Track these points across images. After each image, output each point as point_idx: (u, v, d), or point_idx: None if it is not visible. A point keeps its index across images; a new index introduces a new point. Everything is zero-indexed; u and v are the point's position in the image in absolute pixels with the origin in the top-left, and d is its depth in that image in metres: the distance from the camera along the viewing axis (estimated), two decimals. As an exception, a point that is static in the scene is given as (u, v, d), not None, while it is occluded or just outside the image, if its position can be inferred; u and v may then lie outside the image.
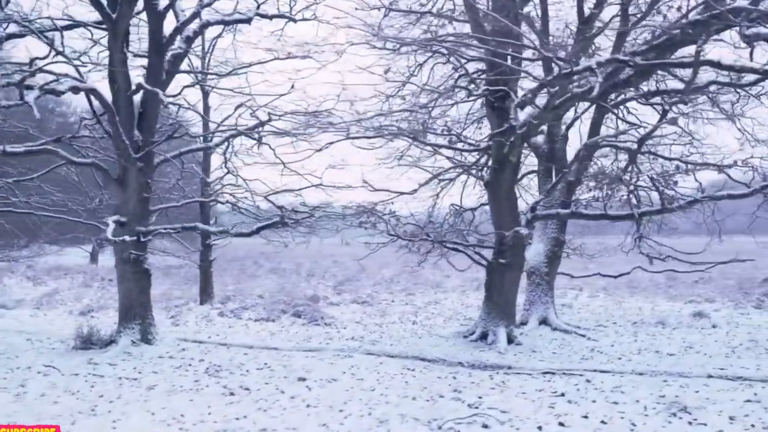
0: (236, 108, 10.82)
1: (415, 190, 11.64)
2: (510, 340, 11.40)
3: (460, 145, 11.97)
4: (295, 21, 12.03)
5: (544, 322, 13.24)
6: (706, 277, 23.49)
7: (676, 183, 10.87)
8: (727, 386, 8.21)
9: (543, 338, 12.23)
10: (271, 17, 12.07)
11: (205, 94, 16.49)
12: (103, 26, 9.86)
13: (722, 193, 10.54)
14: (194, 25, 11.32)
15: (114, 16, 9.62)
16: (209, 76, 15.39)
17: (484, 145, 11.37)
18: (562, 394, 7.73)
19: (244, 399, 7.39)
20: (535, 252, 13.88)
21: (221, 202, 11.98)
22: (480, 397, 7.50)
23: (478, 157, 12.53)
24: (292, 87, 11.03)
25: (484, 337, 11.54)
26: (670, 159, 14.80)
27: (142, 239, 10.07)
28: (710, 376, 8.94)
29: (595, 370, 9.39)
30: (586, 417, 6.65)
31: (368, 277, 26.29)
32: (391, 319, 15.47)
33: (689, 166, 14.28)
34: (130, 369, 9.01)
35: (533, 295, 13.59)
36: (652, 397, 7.48)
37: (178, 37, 11.01)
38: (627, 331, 13.33)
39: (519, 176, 11.82)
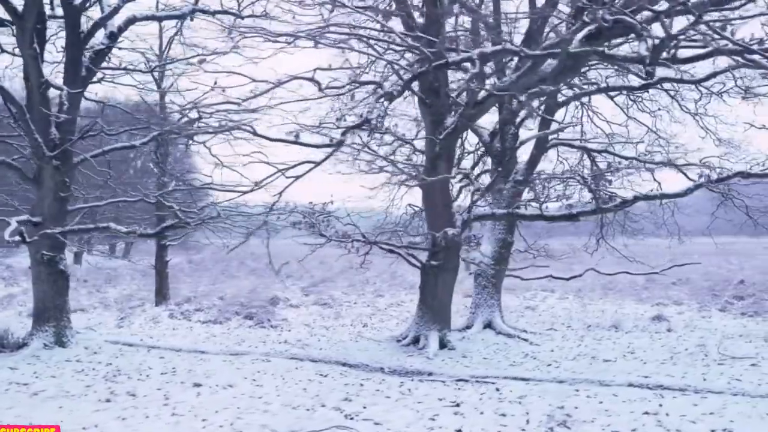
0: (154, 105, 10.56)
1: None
2: (443, 345, 11.04)
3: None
4: (242, 17, 11.73)
5: (489, 325, 12.85)
6: (684, 279, 23.00)
7: (610, 182, 10.43)
8: (638, 396, 7.80)
9: (482, 343, 11.85)
10: (213, 13, 11.79)
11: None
12: (9, 22, 9.63)
13: (655, 193, 10.10)
14: (120, 21, 11.09)
15: (21, 10, 9.39)
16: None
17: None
18: (457, 405, 7.37)
19: (119, 406, 7.11)
20: (482, 254, 13.50)
21: (149, 202, 11.70)
22: (365, 407, 7.16)
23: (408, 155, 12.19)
24: (215, 83, 10.72)
25: (416, 341, 11.19)
26: (627, 158, 14.40)
27: (56, 239, 9.82)
28: (630, 385, 8.53)
29: (515, 378, 9.03)
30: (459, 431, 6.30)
31: (345, 278, 26.03)
32: (343, 321, 15.17)
33: (647, 165, 13.94)
34: (29, 373, 8.77)
35: (479, 298, 13.20)
36: (546, 409, 7.09)
37: (101, 33, 10.77)
38: (576, 335, 12.90)
39: (454, 176, 11.42)
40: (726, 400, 7.59)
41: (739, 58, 7.37)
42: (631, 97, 16.46)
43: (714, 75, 12.49)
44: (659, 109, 16.28)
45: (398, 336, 11.79)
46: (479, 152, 14.81)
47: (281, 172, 11.37)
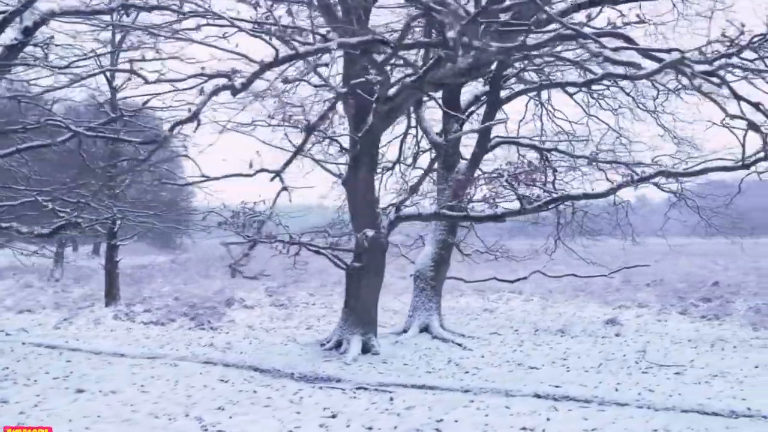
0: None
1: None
2: (366, 350, 10.68)
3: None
4: (184, 14, 11.41)
5: (426, 329, 12.46)
6: (658, 280, 22.46)
7: (534, 181, 9.99)
8: (532, 408, 7.38)
9: (413, 347, 11.45)
10: (149, 9, 11.49)
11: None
12: None
13: (578, 193, 9.66)
14: (37, 16, 10.81)
15: None
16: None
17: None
18: (333, 416, 7.03)
19: (-23, 414, 6.84)
20: (422, 255, 13.13)
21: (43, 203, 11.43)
22: (231, 417, 6.84)
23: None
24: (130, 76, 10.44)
25: (339, 345, 10.84)
26: (577, 157, 13.96)
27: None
28: (536, 395, 8.12)
29: (421, 386, 8.65)
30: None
31: (319, 279, 25.69)
32: (289, 323, 14.87)
33: (599, 164, 13.47)
34: None
35: (417, 301, 12.81)
36: (422, 421, 6.73)
37: (11, 28, 10.49)
38: (517, 339, 12.47)
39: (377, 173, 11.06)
40: (622, 413, 7.18)
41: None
42: (593, 95, 16.03)
43: (658, 71, 12.07)
44: (620, 107, 15.86)
45: (323, 340, 11.44)
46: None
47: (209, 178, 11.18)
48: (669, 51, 8.89)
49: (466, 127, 14.38)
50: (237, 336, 12.89)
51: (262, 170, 10.49)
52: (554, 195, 9.66)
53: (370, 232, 10.11)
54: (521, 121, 16.78)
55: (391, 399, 7.86)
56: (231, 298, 17.99)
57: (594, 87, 15.65)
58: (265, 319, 15.49)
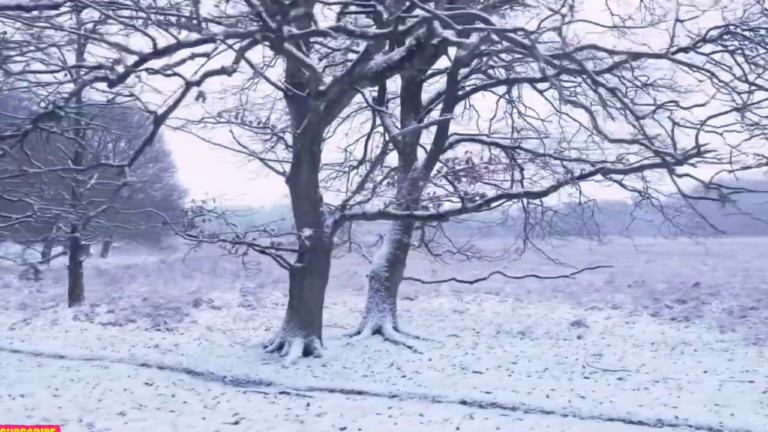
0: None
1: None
2: (308, 353, 10.41)
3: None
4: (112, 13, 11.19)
5: (378, 331, 12.16)
6: (640, 281, 22.02)
7: (475, 179, 9.66)
8: (446, 416, 7.10)
9: (361, 350, 11.15)
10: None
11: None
12: None
13: (519, 191, 9.32)
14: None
15: None
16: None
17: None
18: (236, 423, 6.78)
19: None
20: (378, 256, 12.84)
21: (12, 200, 11.28)
22: (126, 423, 6.60)
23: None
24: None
25: (281, 348, 10.56)
26: (542, 155, 13.63)
27: None
28: (462, 402, 7.82)
29: (349, 391, 8.40)
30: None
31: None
32: (251, 324, 14.59)
33: (564, 162, 13.13)
34: None
35: (371, 302, 12.51)
36: (315, 429, 6.45)
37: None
38: (474, 342, 12.11)
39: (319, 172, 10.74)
40: (541, 422, 6.90)
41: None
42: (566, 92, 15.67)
43: (614, 67, 11.74)
44: (592, 105, 15.47)
45: (267, 342, 11.17)
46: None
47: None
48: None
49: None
50: (189, 337, 12.64)
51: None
52: (501, 193, 9.32)
53: (307, 232, 9.84)
54: (492, 119, 16.51)
55: (308, 405, 7.59)
56: (199, 298, 17.77)
57: (566, 84, 15.35)
58: (228, 320, 15.23)
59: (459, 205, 9.59)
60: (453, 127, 15.51)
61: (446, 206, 10.25)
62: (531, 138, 13.84)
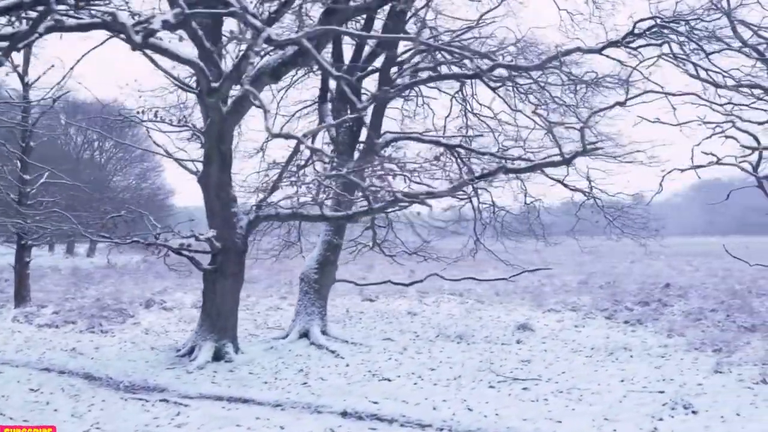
0: None
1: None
2: (219, 357, 10.08)
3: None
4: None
5: (305, 334, 11.81)
6: (612, 282, 21.46)
7: (384, 178, 9.24)
8: (308, 429, 6.72)
9: (282, 354, 10.80)
10: None
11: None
12: None
13: (421, 192, 8.91)
14: None
15: None
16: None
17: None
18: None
19: None
20: (309, 257, 12.49)
21: None
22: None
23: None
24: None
25: (192, 351, 10.25)
26: (483, 154, 13.20)
27: None
28: (343, 413, 7.47)
29: (239, 399, 8.08)
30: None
31: (274, 279, 25.20)
32: (192, 326, 14.22)
33: (507, 162, 12.70)
34: None
35: (300, 305, 12.17)
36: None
37: None
38: (404, 346, 11.69)
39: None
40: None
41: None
42: (520, 89, 15.21)
43: (546, 64, 11.28)
44: (546, 103, 14.99)
45: (180, 345, 10.87)
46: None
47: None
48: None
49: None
50: (117, 340, 12.38)
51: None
52: (406, 192, 8.90)
53: (210, 233, 9.50)
54: (447, 117, 16.09)
55: (177, 414, 7.28)
56: (152, 299, 17.53)
57: (520, 81, 14.90)
58: (172, 321, 14.95)
59: (371, 207, 9.16)
60: (412, 125, 15.23)
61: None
62: (474, 136, 13.33)
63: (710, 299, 17.10)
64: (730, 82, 11.96)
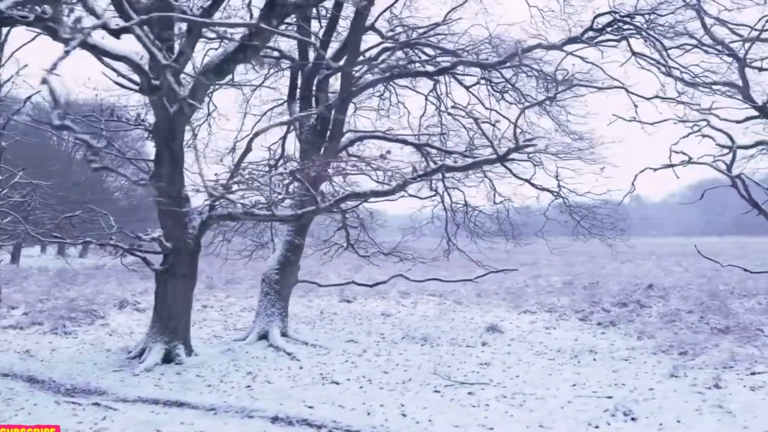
0: None
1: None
2: (169, 359, 9.90)
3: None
4: None
5: (265, 336, 11.63)
6: (595, 282, 21.18)
7: (325, 177, 9.05)
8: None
9: (237, 356, 10.60)
10: None
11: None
12: None
13: (365, 191, 8.70)
14: None
15: None
16: None
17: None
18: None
19: None
20: (271, 258, 12.32)
21: None
22: None
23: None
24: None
25: (142, 354, 10.08)
26: (449, 152, 12.99)
27: None
28: (275, 418, 7.28)
29: (175, 403, 7.90)
30: None
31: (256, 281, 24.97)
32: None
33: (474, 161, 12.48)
34: None
35: (260, 306, 11.98)
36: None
37: None
38: (365, 348, 11.50)
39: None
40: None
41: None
42: (495, 88, 15.00)
43: (503, 61, 11.05)
44: (521, 102, 14.76)
45: (132, 347, 10.71)
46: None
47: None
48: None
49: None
50: (78, 342, 12.22)
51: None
52: (349, 192, 8.71)
53: (156, 233, 9.33)
54: (422, 116, 15.91)
55: (104, 418, 7.10)
56: (126, 300, 17.40)
57: (495, 80, 14.70)
58: (141, 323, 14.78)
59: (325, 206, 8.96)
60: (389, 124, 15.05)
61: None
62: (439, 134, 13.11)
63: (690, 300, 16.81)
64: (697, 80, 11.71)
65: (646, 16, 9.74)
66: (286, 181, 9.11)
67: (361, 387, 8.73)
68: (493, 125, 12.92)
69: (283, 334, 11.77)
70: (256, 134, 9.89)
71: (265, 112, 15.21)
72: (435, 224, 15.25)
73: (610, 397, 7.89)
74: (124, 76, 8.91)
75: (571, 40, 10.07)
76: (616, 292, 18.63)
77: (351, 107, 15.45)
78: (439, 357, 10.79)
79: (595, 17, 9.73)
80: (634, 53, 9.47)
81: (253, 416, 7.32)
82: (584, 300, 17.22)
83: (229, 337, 12.62)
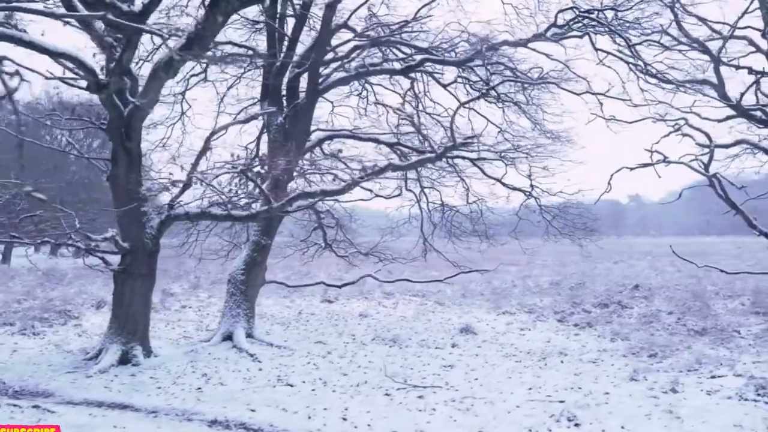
0: None
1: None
2: (126, 361, 9.78)
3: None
4: None
5: (229, 337, 11.48)
6: (582, 283, 20.93)
7: (258, 177, 8.88)
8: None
9: (196, 358, 10.46)
10: None
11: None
12: None
13: (315, 190, 8.53)
14: None
15: None
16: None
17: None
18: None
19: None
20: (238, 259, 12.17)
21: None
22: None
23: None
24: None
25: (99, 355, 9.96)
26: (421, 151, 12.77)
27: None
28: (213, 422, 7.13)
29: (119, 405, 7.78)
30: None
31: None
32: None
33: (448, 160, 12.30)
34: None
35: (226, 307, 11.84)
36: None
37: None
38: (331, 350, 11.34)
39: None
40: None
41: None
42: (473, 87, 14.79)
43: (470, 59, 10.87)
44: (499, 101, 14.55)
45: (91, 348, 10.59)
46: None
47: None
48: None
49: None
50: (44, 342, 12.11)
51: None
52: (299, 192, 8.55)
53: (110, 233, 9.21)
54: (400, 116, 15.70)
55: (39, 420, 6.99)
56: (103, 300, 17.30)
57: (473, 79, 14.48)
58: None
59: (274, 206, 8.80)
60: (366, 122, 14.88)
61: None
62: (410, 133, 12.92)
63: (674, 301, 16.57)
64: (666, 75, 11.47)
65: (612, 12, 9.52)
66: (239, 180, 8.96)
67: (313, 390, 8.57)
68: (474, 135, 12.75)
69: (249, 335, 11.62)
70: (213, 133, 9.77)
71: (240, 111, 15.06)
72: (413, 224, 15.04)
73: (562, 402, 7.69)
74: (77, 74, 8.81)
75: (536, 37, 9.86)
76: (601, 293, 18.37)
77: (328, 106, 15.34)
78: (403, 359, 10.63)
79: (558, 12, 9.54)
80: (596, 49, 9.26)
81: (193, 420, 7.18)
82: (566, 301, 16.97)
83: (199, 338, 12.49)
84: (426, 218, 14.31)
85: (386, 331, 13.29)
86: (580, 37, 9.61)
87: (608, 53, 9.30)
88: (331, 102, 15.10)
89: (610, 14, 10.14)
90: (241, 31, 14.15)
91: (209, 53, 8.77)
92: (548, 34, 9.66)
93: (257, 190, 9.45)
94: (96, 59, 8.77)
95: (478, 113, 14.58)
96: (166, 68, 8.54)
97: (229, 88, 14.65)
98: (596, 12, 9.17)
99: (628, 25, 10.35)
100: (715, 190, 13.23)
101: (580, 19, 9.43)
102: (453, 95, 14.88)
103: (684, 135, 13.74)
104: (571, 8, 9.38)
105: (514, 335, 12.98)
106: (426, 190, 14.42)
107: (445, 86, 14.77)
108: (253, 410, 7.47)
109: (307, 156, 10.76)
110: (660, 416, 6.98)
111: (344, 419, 7.09)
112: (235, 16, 13.20)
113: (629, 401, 7.66)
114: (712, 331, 12.58)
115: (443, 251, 14.58)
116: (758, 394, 7.39)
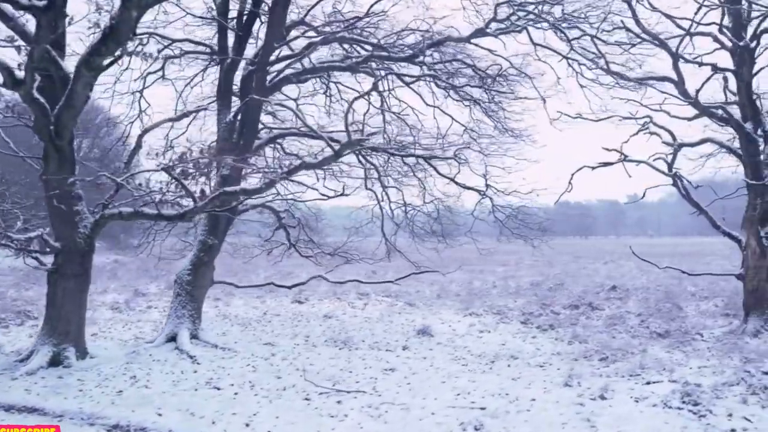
0: None
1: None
2: (57, 362, 9.59)
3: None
4: None
5: (173, 339, 11.27)
6: (559, 284, 20.56)
7: (201, 175, 8.63)
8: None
9: (133, 360, 10.25)
10: None
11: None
12: None
13: (235, 189, 8.29)
14: None
15: None
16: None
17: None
18: None
19: None
20: (186, 259, 11.97)
21: None
22: None
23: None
24: None
25: (30, 356, 9.78)
26: (377, 150, 12.57)
27: None
28: (88, 422, 6.90)
29: (40, 411, 7.57)
30: None
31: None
32: (89, 329, 13.88)
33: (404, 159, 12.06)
34: None
35: (171, 308, 11.64)
36: None
37: None
38: (273, 353, 11.08)
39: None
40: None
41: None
42: (439, 85, 14.51)
43: (415, 55, 10.60)
44: (468, 100, 14.24)
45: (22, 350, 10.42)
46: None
47: None
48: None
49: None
50: (8, 341, 12.03)
51: None
52: (223, 191, 8.30)
53: (35, 232, 9.02)
54: (365, 113, 15.46)
55: (-65, 425, 6.79)
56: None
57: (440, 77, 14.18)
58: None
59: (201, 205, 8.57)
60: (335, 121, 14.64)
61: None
62: (372, 134, 12.64)
63: (648, 302, 16.19)
64: (623, 70, 11.13)
65: (560, 7, 9.21)
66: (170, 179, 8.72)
67: (236, 393, 8.33)
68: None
69: (194, 337, 11.41)
70: (146, 131, 9.56)
71: (199, 109, 14.85)
72: (376, 224, 14.77)
73: (483, 409, 7.39)
74: None
75: (478, 32, 9.56)
76: (577, 294, 18.02)
77: (292, 104, 15.10)
78: (347, 362, 10.39)
79: (497, 6, 9.23)
80: (534, 44, 8.94)
81: (95, 424, 6.97)
82: (538, 302, 16.64)
83: (151, 339, 12.30)
84: (388, 218, 14.01)
85: (343, 333, 13.04)
86: (519, 31, 9.30)
87: (545, 47, 8.97)
88: (294, 99, 14.89)
89: (558, 9, 9.83)
90: (207, 28, 14.00)
91: (128, 48, 8.54)
92: (490, 28, 9.36)
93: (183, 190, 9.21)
94: (19, 56, 8.60)
95: (444, 112, 14.33)
96: (88, 66, 8.33)
97: (186, 86, 14.47)
98: (534, 5, 8.85)
99: (582, 20, 10.02)
100: (678, 189, 12.90)
101: (516, 12, 9.11)
102: (417, 93, 14.62)
103: (651, 134, 13.40)
104: (507, 2, 9.07)
105: (472, 337, 12.68)
106: (387, 190, 14.16)
107: (408, 84, 14.50)
108: (160, 414, 7.24)
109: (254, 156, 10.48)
110: (576, 425, 6.67)
111: (247, 425, 6.84)
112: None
113: (553, 408, 7.34)
114: (675, 334, 12.23)
115: (410, 251, 14.33)
116: (683, 402, 7.05)
